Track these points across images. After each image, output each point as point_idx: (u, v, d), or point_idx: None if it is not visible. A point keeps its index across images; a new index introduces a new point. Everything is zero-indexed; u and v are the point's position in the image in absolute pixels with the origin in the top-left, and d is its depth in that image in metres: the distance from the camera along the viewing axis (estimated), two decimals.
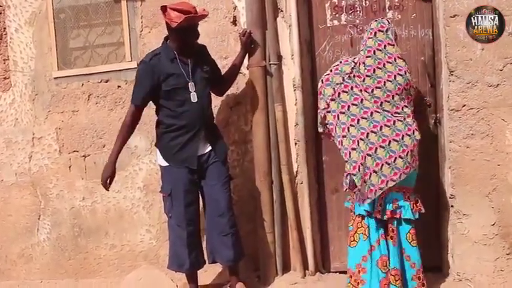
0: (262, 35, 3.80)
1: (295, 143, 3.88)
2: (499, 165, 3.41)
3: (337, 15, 3.90)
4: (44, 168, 4.36)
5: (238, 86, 3.95)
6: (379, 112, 3.23)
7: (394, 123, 3.21)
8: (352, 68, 3.33)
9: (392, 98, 3.23)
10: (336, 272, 3.93)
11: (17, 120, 4.39)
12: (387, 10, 3.82)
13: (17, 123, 4.39)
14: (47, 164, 4.35)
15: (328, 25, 3.92)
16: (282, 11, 3.87)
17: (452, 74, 3.46)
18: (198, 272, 3.72)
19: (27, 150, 4.38)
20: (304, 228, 3.87)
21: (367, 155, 3.19)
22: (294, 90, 3.84)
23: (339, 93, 3.32)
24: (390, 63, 3.26)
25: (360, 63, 3.32)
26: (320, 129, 3.49)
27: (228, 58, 3.96)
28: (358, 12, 3.88)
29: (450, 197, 3.53)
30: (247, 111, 3.95)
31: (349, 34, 3.90)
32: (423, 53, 3.77)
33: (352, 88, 3.31)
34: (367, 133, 3.21)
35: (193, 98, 3.50)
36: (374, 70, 3.27)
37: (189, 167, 3.51)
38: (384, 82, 3.24)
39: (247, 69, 3.86)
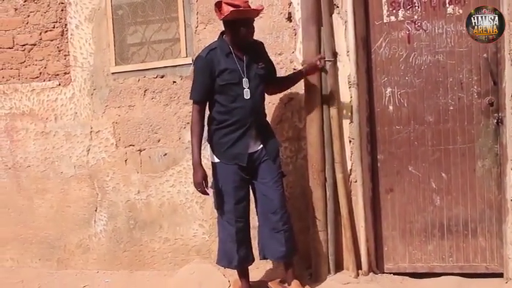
0: (317, 32, 3.76)
1: (350, 141, 3.82)
2: None
3: (394, 11, 3.80)
4: (101, 161, 4.47)
5: None
6: None
7: None
8: None
9: None
10: (389, 273, 3.84)
11: (76, 114, 4.51)
12: (447, 5, 3.68)
13: (76, 117, 4.51)
14: (104, 157, 4.46)
15: (385, 21, 3.82)
16: (337, 7, 3.81)
17: None
18: (250, 268, 3.73)
19: (86, 144, 4.50)
20: (358, 227, 3.81)
21: None
22: (349, 87, 3.78)
23: None
24: None
25: None
26: None
27: (282, 54, 3.94)
28: (417, 7, 3.77)
29: None
30: (301, 108, 3.92)
31: (406, 30, 3.80)
32: (486, 49, 3.62)
33: None
34: None
35: (247, 94, 3.49)
36: None
37: (239, 163, 3.52)
38: None
39: (302, 65, 3.83)
